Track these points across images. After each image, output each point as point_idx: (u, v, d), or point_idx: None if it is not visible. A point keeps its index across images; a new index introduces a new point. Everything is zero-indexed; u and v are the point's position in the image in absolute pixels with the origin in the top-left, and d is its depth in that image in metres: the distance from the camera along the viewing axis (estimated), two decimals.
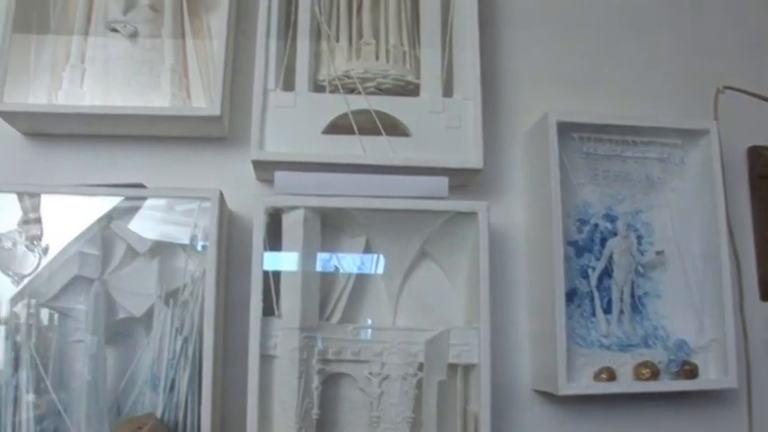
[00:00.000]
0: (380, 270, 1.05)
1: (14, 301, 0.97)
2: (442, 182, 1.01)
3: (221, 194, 0.98)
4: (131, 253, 1.01)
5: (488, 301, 0.98)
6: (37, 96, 1.07)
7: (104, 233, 1.01)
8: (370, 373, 1.00)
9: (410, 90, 1.10)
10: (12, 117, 1.06)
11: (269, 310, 0.96)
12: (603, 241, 1.12)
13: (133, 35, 1.10)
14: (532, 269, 1.12)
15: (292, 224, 0.98)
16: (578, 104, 1.17)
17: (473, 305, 1.00)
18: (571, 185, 1.10)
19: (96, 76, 1.08)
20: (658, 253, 1.12)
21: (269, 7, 1.07)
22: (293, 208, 0.98)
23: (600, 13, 1.25)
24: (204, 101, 1.07)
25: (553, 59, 1.22)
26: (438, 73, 1.09)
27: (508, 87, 1.19)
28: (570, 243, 1.10)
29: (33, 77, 1.08)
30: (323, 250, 1.02)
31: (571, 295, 1.08)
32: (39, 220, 1.01)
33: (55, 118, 1.06)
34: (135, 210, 1.01)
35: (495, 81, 1.18)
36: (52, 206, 1.01)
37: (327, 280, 1.03)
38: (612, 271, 1.11)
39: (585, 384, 1.05)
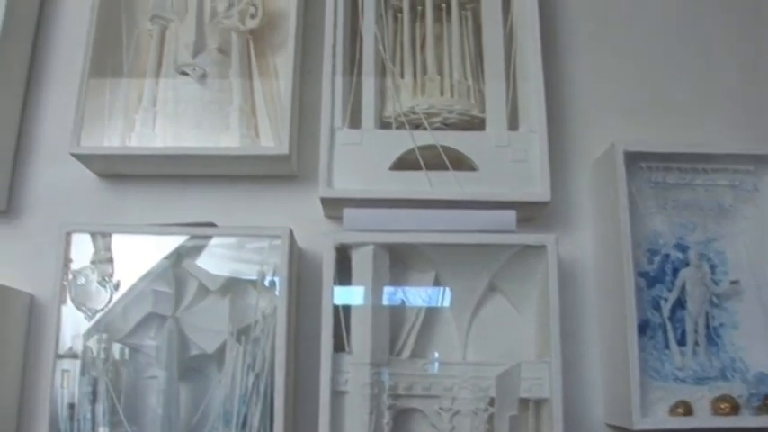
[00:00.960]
0: (449, 304, 1.05)
1: (88, 335, 1.01)
2: (510, 215, 1.01)
3: (291, 232, 1.00)
4: (203, 290, 1.04)
5: (559, 334, 0.97)
6: (111, 139, 1.11)
7: (176, 271, 1.04)
8: (441, 408, 1.00)
9: (476, 124, 1.11)
10: (88, 160, 1.10)
11: (339, 346, 0.97)
12: (675, 271, 1.10)
13: (202, 78, 1.14)
14: (603, 301, 1.11)
15: (361, 260, 1.00)
16: (645, 133, 1.17)
17: (544, 338, 1.00)
18: (640, 215, 1.09)
19: (167, 117, 1.12)
20: (733, 282, 1.10)
21: (334, 46, 1.10)
22: (362, 244, 0.99)
23: (665, 39, 1.25)
24: (272, 140, 1.10)
25: (618, 88, 1.21)
26: (503, 106, 1.10)
27: (574, 118, 1.19)
28: (641, 274, 1.09)
29: (108, 120, 1.12)
30: (392, 285, 1.03)
31: (643, 327, 1.07)
32: (111, 259, 1.04)
33: (128, 160, 1.10)
34: (206, 248, 1.04)
35: (561, 112, 1.18)
36: (124, 244, 1.05)
37: (397, 315, 1.03)
38: (686, 302, 1.09)
39: (661, 419, 1.03)
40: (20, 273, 1.13)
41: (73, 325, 1.01)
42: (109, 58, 1.15)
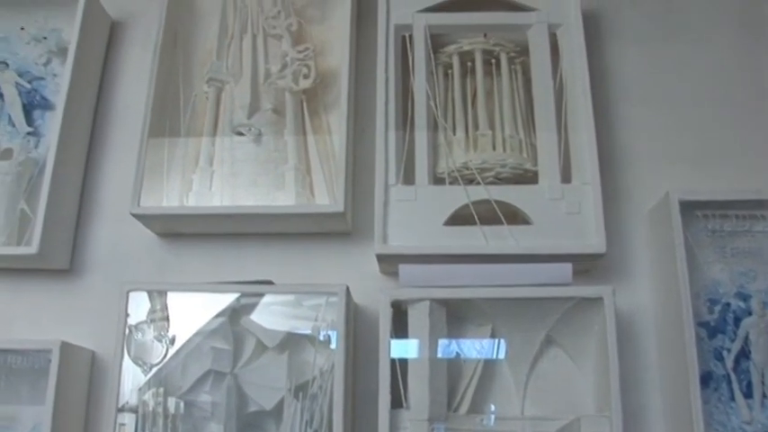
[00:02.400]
0: (507, 358, 1.06)
1: (143, 389, 1.04)
2: (566, 268, 1.02)
3: (347, 289, 1.02)
4: (261, 347, 1.06)
5: (619, 387, 0.96)
6: (170, 199, 1.15)
7: (235, 328, 1.06)
8: None
9: (529, 178, 1.12)
10: (147, 219, 1.14)
11: (397, 402, 0.98)
12: (737, 321, 1.09)
13: (258, 137, 1.18)
14: (663, 352, 1.10)
15: (418, 316, 1.01)
16: (700, 181, 1.16)
17: (603, 392, 0.99)
18: (698, 264, 1.09)
19: (224, 177, 1.16)
20: None
21: (386, 104, 1.13)
22: (418, 300, 1.01)
23: (717, 85, 1.25)
24: (327, 197, 1.13)
25: (671, 136, 1.21)
26: (555, 159, 1.11)
27: (626, 168, 1.19)
28: (701, 324, 1.08)
29: (166, 181, 1.17)
30: (449, 340, 1.04)
31: (706, 379, 1.05)
32: (167, 317, 1.07)
33: (186, 219, 1.14)
34: (264, 305, 1.06)
35: (613, 162, 1.19)
36: (182, 302, 1.08)
37: (454, 370, 1.04)
38: (750, 352, 1.07)
39: None
40: (82, 330, 1.17)
41: (131, 379, 1.04)
42: (167, 120, 1.20)
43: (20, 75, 1.30)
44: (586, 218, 1.08)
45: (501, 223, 1.07)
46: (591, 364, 1.04)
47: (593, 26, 1.26)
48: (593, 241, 1.06)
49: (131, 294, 1.06)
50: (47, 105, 1.29)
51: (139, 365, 1.05)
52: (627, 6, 1.31)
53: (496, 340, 1.06)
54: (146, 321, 1.07)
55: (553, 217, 1.08)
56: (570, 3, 1.20)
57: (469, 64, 1.20)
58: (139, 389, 1.04)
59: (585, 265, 1.10)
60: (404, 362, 1.00)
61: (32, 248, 1.13)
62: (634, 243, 1.16)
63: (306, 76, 1.18)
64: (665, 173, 1.18)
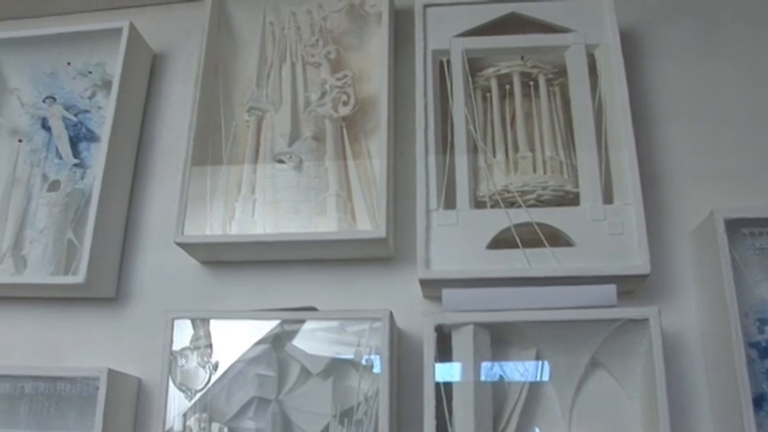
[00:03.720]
0: (552, 381, 1.05)
1: (187, 415, 1.06)
2: (610, 290, 1.01)
3: (391, 314, 1.03)
4: (305, 374, 1.07)
5: (667, 410, 0.95)
6: (213, 227, 1.18)
7: (279, 355, 1.08)
8: None
9: (570, 199, 1.12)
10: (191, 248, 1.17)
11: (442, 427, 0.98)
12: None
13: (299, 165, 1.20)
14: (712, 374, 1.09)
15: (462, 340, 1.01)
16: (745, 198, 1.15)
17: (651, 415, 0.98)
18: (746, 283, 1.08)
19: (266, 204, 1.19)
20: None
21: (425, 129, 1.14)
22: (462, 324, 1.01)
23: (759, 100, 1.24)
24: (369, 223, 1.15)
25: (713, 153, 1.20)
26: (596, 180, 1.11)
27: (669, 187, 1.19)
28: (752, 345, 1.06)
29: (209, 209, 1.19)
30: (493, 364, 1.04)
31: (759, 401, 1.04)
32: (210, 344, 1.09)
33: (229, 247, 1.16)
34: (307, 332, 1.07)
35: (655, 181, 1.18)
36: (226, 328, 1.10)
37: (499, 394, 1.04)
38: None
39: None
40: (128, 357, 1.20)
41: (175, 405, 1.07)
42: (209, 149, 1.23)
43: (66, 108, 1.35)
44: (629, 238, 1.08)
45: (543, 246, 1.07)
46: (637, 387, 1.03)
47: (630, 45, 1.26)
48: (637, 262, 1.06)
49: (176, 322, 1.08)
50: (92, 137, 1.34)
51: (183, 391, 1.07)
52: (664, 24, 1.30)
53: (541, 363, 1.06)
54: (189, 348, 1.09)
55: (596, 238, 1.08)
56: (607, 23, 1.20)
57: (507, 87, 1.21)
58: (184, 414, 1.06)
59: (630, 287, 1.09)
60: (448, 386, 1.01)
61: (80, 278, 1.17)
62: (679, 263, 1.15)
63: (345, 103, 1.20)
64: (708, 190, 1.17)
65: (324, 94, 1.22)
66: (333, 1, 1.29)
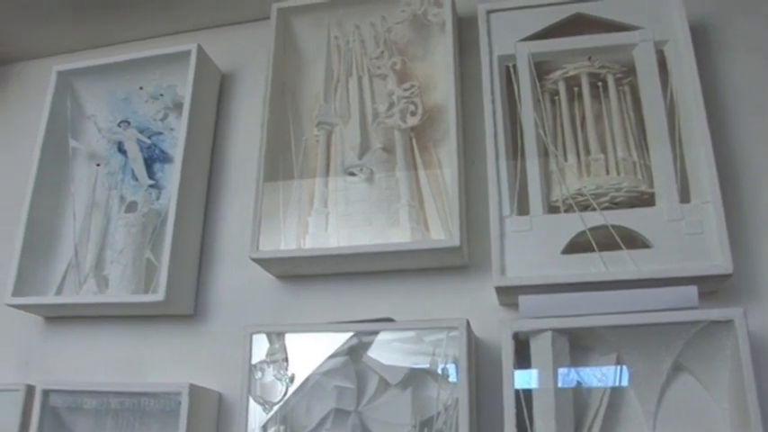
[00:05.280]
0: (634, 386, 1.04)
1: (265, 428, 1.09)
2: (691, 291, 1.00)
3: (468, 323, 1.04)
4: (384, 384, 1.09)
5: (759, 415, 0.93)
6: (287, 242, 1.21)
7: (357, 367, 1.10)
8: None
9: (645, 200, 1.12)
10: (266, 263, 1.20)
11: None
12: None
13: (370, 177, 1.22)
14: None
15: (540, 347, 1.02)
16: None
17: (741, 420, 0.97)
18: None
19: (339, 217, 1.21)
20: None
21: (495, 135, 1.16)
22: (540, 331, 1.01)
23: None
24: (442, 232, 1.16)
25: None
26: (672, 179, 1.10)
27: (748, 182, 1.16)
28: None
29: (283, 224, 1.22)
30: (573, 370, 1.04)
31: None
32: (286, 357, 1.12)
33: (304, 261, 1.19)
34: (385, 342, 1.09)
35: (734, 177, 1.16)
36: (302, 341, 1.13)
37: (580, 401, 1.04)
38: None
39: None
40: (207, 372, 1.24)
41: (254, 418, 1.10)
42: (281, 164, 1.26)
43: (140, 131, 1.41)
44: (709, 237, 1.06)
45: (620, 248, 1.07)
46: (724, 391, 1.01)
47: (701, 38, 1.24)
48: (719, 261, 1.04)
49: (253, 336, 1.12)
50: (166, 158, 1.39)
51: (261, 404, 1.10)
52: (737, 15, 1.27)
53: (622, 368, 1.05)
54: (265, 361, 1.12)
55: (674, 239, 1.07)
56: (676, 17, 1.19)
57: (576, 89, 1.21)
58: (262, 427, 1.09)
59: (711, 287, 1.08)
60: (528, 393, 1.01)
61: (159, 296, 1.21)
62: (763, 261, 1.12)
63: (413, 114, 1.22)
64: None
65: (392, 106, 1.24)
66: (396, 12, 1.31)
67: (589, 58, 1.21)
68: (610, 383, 1.05)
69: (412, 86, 1.24)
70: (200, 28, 1.53)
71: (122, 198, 1.39)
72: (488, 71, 1.20)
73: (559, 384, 1.02)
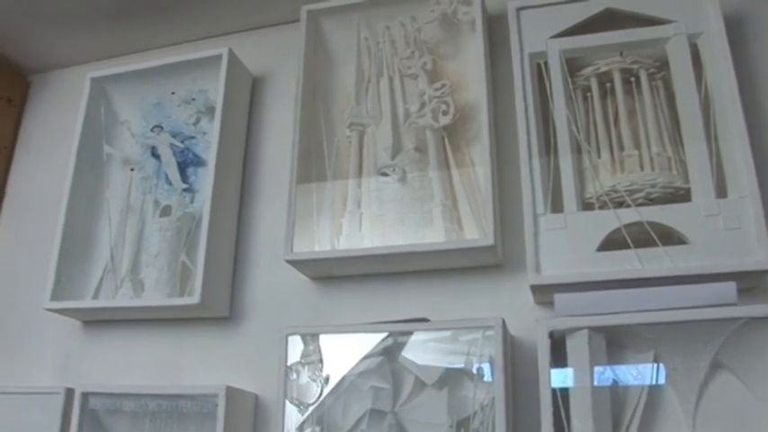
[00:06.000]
0: (672, 384, 1.04)
1: (301, 429, 1.10)
2: (730, 287, 0.99)
3: (503, 322, 1.04)
4: (420, 385, 1.10)
5: None
6: (321, 243, 1.22)
7: (394, 367, 1.11)
8: None
9: (681, 196, 1.11)
10: (301, 265, 1.22)
11: None
12: None
13: (403, 177, 1.23)
14: None
15: (577, 345, 1.02)
16: None
17: None
18: None
19: (372, 218, 1.22)
20: None
21: (527, 133, 1.16)
22: (576, 329, 1.01)
23: None
24: (476, 231, 1.16)
25: None
26: (708, 174, 1.09)
27: None
28: None
29: (317, 225, 1.23)
30: (610, 368, 1.04)
31: None
32: (320, 359, 1.13)
33: (338, 262, 1.20)
34: (420, 342, 1.10)
35: None
36: (337, 342, 1.14)
37: (617, 399, 1.03)
38: None
39: None
40: (243, 373, 1.26)
41: (290, 419, 1.11)
42: (313, 166, 1.28)
43: (173, 136, 1.43)
44: (747, 232, 1.05)
45: (656, 245, 1.07)
46: (767, 389, 1.01)
47: (736, 30, 1.23)
48: (758, 257, 1.03)
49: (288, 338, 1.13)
50: (199, 162, 1.41)
51: (296, 405, 1.12)
52: None
53: (660, 366, 1.05)
54: (300, 362, 1.13)
55: (711, 234, 1.06)
56: (710, 9, 1.18)
57: (608, 85, 1.21)
58: (297, 428, 1.10)
59: (750, 283, 1.07)
60: (564, 392, 1.01)
61: (195, 299, 1.23)
62: None
63: (445, 113, 1.23)
64: None
65: (423, 105, 1.25)
66: (425, 12, 1.32)
67: (621, 54, 1.21)
68: (647, 381, 1.05)
69: (443, 86, 1.24)
70: (230, 32, 1.55)
71: (157, 202, 1.41)
72: (519, 69, 1.20)
73: (596, 383, 1.02)
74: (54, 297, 1.34)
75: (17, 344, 1.46)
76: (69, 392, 1.26)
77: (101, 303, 1.35)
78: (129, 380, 1.31)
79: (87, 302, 1.36)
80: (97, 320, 1.40)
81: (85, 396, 1.23)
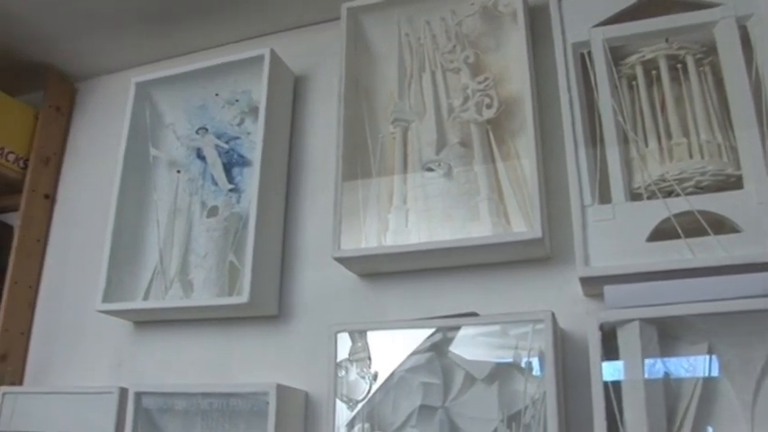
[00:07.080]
0: (728, 377, 1.03)
1: (350, 425, 1.12)
2: None
3: (553, 315, 1.04)
4: (470, 379, 1.11)
5: None
6: (368, 240, 1.23)
7: (443, 362, 1.12)
8: None
9: (732, 183, 1.10)
10: (348, 262, 1.23)
11: (613, 427, 0.98)
12: None
13: (448, 171, 1.23)
14: None
15: (628, 337, 1.01)
16: None
17: None
18: None
19: (419, 214, 1.23)
20: None
21: (572, 123, 1.16)
22: (627, 321, 1.01)
23: None
24: (524, 224, 1.17)
25: None
26: (760, 160, 1.07)
27: None
28: None
29: (363, 222, 1.25)
30: (662, 361, 1.03)
31: None
32: (368, 355, 1.15)
33: (386, 258, 1.21)
34: (469, 337, 1.11)
35: None
36: (385, 338, 1.15)
37: (671, 392, 1.03)
38: None
39: None
40: (293, 371, 1.28)
41: (339, 416, 1.13)
42: (358, 163, 1.29)
43: (218, 137, 1.46)
44: None
45: (707, 234, 1.05)
46: None
47: None
48: None
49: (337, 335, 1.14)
50: (244, 162, 1.43)
51: (345, 402, 1.13)
52: None
53: (714, 358, 1.04)
54: (348, 359, 1.15)
55: (765, 222, 1.05)
56: None
57: (654, 72, 1.19)
58: (347, 425, 1.12)
59: None
60: (616, 385, 1.01)
61: (243, 298, 1.25)
62: None
63: (489, 106, 1.23)
64: None
65: (467, 99, 1.25)
66: (465, 5, 1.32)
67: (666, 40, 1.20)
68: (701, 374, 1.04)
69: (486, 79, 1.25)
70: (271, 32, 1.57)
71: (203, 203, 1.44)
72: (563, 59, 1.20)
73: (649, 376, 1.01)
74: (105, 299, 1.38)
75: (72, 346, 1.51)
76: (123, 392, 1.30)
77: (151, 304, 1.38)
78: (181, 379, 1.35)
79: (138, 303, 1.39)
80: (148, 321, 1.44)
81: (138, 395, 1.27)
